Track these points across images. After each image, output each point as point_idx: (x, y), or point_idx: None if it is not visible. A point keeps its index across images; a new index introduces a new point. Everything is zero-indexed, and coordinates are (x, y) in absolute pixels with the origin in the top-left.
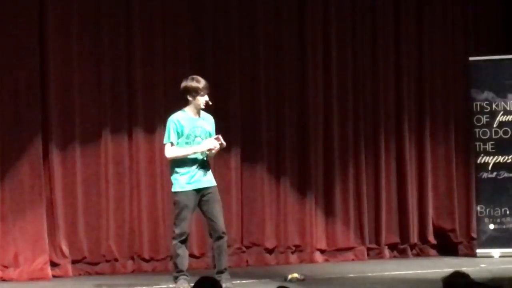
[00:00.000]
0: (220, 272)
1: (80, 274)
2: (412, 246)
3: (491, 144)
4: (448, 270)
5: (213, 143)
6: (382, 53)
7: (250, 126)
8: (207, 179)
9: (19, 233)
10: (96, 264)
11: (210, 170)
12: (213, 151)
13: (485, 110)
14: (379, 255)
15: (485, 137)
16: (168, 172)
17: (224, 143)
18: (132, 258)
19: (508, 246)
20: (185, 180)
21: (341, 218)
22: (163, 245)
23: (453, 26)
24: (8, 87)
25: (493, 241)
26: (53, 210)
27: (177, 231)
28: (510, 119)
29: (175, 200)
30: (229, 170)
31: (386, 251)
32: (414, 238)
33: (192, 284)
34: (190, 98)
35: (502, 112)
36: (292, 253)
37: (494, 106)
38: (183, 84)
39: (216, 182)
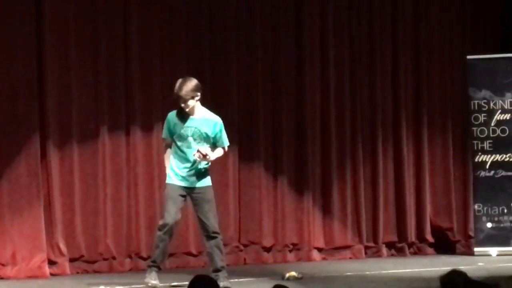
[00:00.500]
0: (217, 270)
1: (77, 272)
2: (410, 245)
3: (489, 143)
4: (446, 269)
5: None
6: (379, 51)
7: (247, 125)
8: (197, 179)
9: (16, 232)
10: (94, 262)
11: (205, 170)
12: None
13: (483, 109)
14: (377, 254)
15: (482, 136)
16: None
17: (204, 155)
18: (130, 257)
19: (505, 245)
20: (173, 174)
21: (338, 216)
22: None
23: (451, 25)
24: (6, 86)
25: (491, 239)
26: (51, 209)
27: (160, 222)
28: (507, 118)
29: (164, 191)
30: (227, 168)
31: (384, 250)
32: (412, 236)
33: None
34: None
35: (499, 111)
36: (290, 251)
37: (491, 104)
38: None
39: (214, 181)
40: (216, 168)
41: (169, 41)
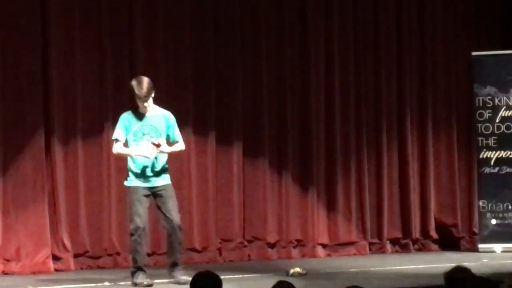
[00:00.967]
0: (175, 264)
1: (82, 268)
2: (414, 241)
3: (494, 139)
4: (450, 265)
5: (149, 151)
6: (384, 48)
7: (252, 121)
8: (158, 178)
9: (21, 227)
10: (98, 258)
11: (164, 169)
12: (157, 151)
13: (488, 105)
14: (381, 250)
15: (487, 132)
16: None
17: (157, 143)
18: None
19: (510, 241)
20: (134, 176)
21: (343, 212)
22: (165, 239)
23: (456, 21)
24: (11, 82)
25: (495, 236)
26: (55, 204)
27: (131, 226)
28: None
29: (127, 195)
30: (231, 164)
31: (388, 246)
32: (416, 233)
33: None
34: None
35: (504, 107)
36: (294, 247)
37: (496, 101)
38: (130, 82)
39: (218, 177)
40: (220, 164)
41: (174, 40)
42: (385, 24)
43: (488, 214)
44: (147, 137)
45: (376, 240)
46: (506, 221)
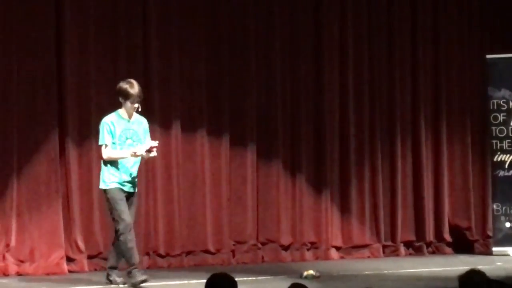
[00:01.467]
0: (114, 268)
1: (95, 269)
2: (428, 244)
3: (508, 142)
4: (464, 268)
5: (142, 151)
6: (398, 51)
7: (265, 123)
8: (133, 185)
9: (35, 228)
10: None
11: (135, 176)
12: (145, 156)
13: (502, 108)
14: (395, 253)
15: (502, 135)
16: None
17: (151, 155)
18: (148, 254)
19: None
20: (115, 180)
21: (356, 215)
22: (179, 241)
23: (470, 24)
24: (25, 83)
25: (509, 239)
26: (69, 206)
27: (121, 226)
28: None
29: (108, 197)
30: (245, 167)
31: (402, 249)
32: (430, 235)
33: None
34: (121, 101)
35: None
36: (308, 250)
37: (511, 104)
38: (118, 85)
39: (232, 178)
40: (234, 167)
41: (188, 39)
42: (399, 27)
43: (502, 217)
44: (130, 141)
45: (390, 243)
46: None
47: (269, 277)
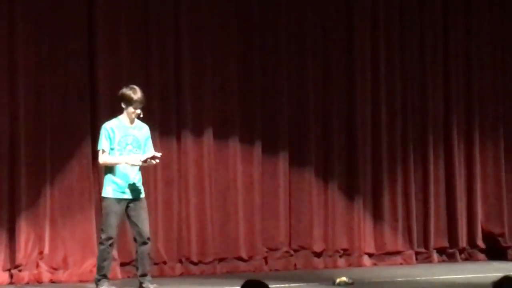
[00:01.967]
0: (144, 275)
1: (128, 277)
2: (461, 251)
3: None
4: (497, 275)
5: (137, 160)
6: (430, 54)
7: (298, 130)
8: (136, 191)
9: (68, 236)
10: None
11: (141, 182)
12: (146, 163)
13: None
14: (428, 259)
15: None
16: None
17: (154, 162)
18: (181, 261)
19: None
20: (115, 188)
21: (389, 222)
22: (211, 248)
23: (502, 32)
24: (58, 91)
25: None
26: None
27: (103, 236)
28: None
29: (103, 205)
30: (277, 174)
31: (435, 255)
32: (463, 242)
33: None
34: (123, 106)
35: None
36: (340, 256)
37: None
38: (121, 91)
39: (263, 186)
40: (266, 174)
41: (219, 45)
42: (431, 32)
43: None
44: (130, 147)
45: (422, 250)
46: None
47: (301, 284)
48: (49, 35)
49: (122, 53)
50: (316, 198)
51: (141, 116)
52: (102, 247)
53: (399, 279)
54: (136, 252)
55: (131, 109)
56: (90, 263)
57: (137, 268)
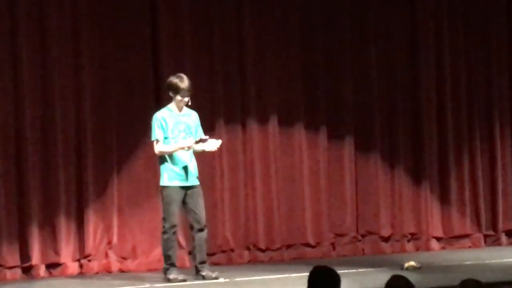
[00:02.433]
0: (203, 262)
1: None
2: None
3: None
4: None
5: (190, 143)
6: (494, 37)
7: (363, 115)
8: (193, 177)
9: (136, 226)
10: (213, 254)
11: (196, 169)
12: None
13: None
14: (496, 242)
15: None
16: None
17: (205, 139)
18: (248, 248)
19: None
20: (173, 176)
21: (456, 205)
22: (279, 235)
23: None
24: (123, 83)
25: None
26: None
27: (166, 224)
28: None
29: (163, 194)
30: (343, 159)
31: (504, 238)
32: None
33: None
34: (171, 95)
35: None
36: (408, 241)
37: None
38: (168, 80)
39: (330, 172)
40: (332, 160)
41: (282, 32)
42: (496, 15)
43: None
44: (183, 134)
45: (491, 232)
46: None
47: (369, 269)
48: (112, 26)
49: (185, 43)
50: (382, 182)
51: (189, 104)
52: (166, 236)
53: (468, 263)
54: (193, 239)
55: (178, 97)
56: (158, 252)
57: (194, 256)
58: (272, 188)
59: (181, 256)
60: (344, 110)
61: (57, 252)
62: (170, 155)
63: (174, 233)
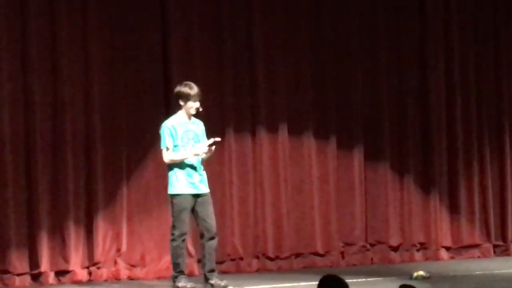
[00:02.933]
0: (212, 270)
1: None
2: None
3: None
4: None
5: (204, 148)
6: (504, 46)
7: (372, 124)
8: (203, 185)
9: (145, 233)
10: (221, 263)
11: (205, 176)
12: (205, 154)
13: None
14: (506, 252)
15: None
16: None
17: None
18: (257, 257)
19: None
20: (183, 184)
21: (466, 215)
22: (288, 243)
23: None
24: (133, 91)
25: None
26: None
27: (176, 232)
28: None
29: (173, 202)
30: (353, 168)
31: None
32: None
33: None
34: (182, 103)
35: None
36: (417, 250)
37: None
38: (176, 89)
39: (339, 181)
40: (342, 169)
41: (292, 41)
42: (506, 22)
43: None
44: (192, 142)
45: (500, 243)
46: None
47: (378, 278)
48: (122, 32)
49: (195, 49)
50: (391, 192)
51: (201, 109)
52: (175, 243)
53: (477, 273)
54: (204, 247)
55: (190, 103)
56: (167, 260)
57: (204, 264)
58: (281, 196)
59: (190, 264)
60: (354, 119)
61: (66, 259)
62: (181, 163)
63: (184, 240)
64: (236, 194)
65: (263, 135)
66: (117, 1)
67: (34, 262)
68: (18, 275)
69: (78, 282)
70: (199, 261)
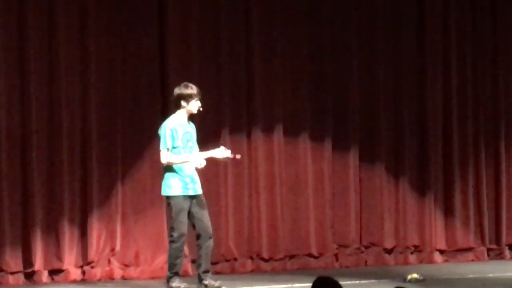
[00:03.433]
0: (206, 271)
1: None
2: None
3: None
4: None
5: (203, 161)
6: (502, 51)
7: (368, 126)
8: (198, 186)
9: (140, 233)
10: (216, 263)
11: (198, 177)
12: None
13: None
14: (500, 256)
15: None
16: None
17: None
18: (251, 258)
19: None
20: (181, 185)
21: (460, 218)
22: (282, 245)
23: None
24: (129, 89)
25: None
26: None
27: (175, 234)
28: None
29: (171, 204)
30: (348, 170)
31: (507, 252)
32: None
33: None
34: (184, 104)
35: None
36: (411, 253)
37: None
38: (177, 91)
39: (334, 183)
40: (337, 170)
41: (290, 44)
42: (504, 25)
43: None
44: (190, 143)
45: (494, 246)
46: None
47: (372, 280)
48: (119, 32)
49: (192, 50)
50: (386, 194)
51: (201, 109)
52: (175, 245)
53: (471, 276)
54: (200, 248)
55: (193, 103)
56: (161, 260)
57: (199, 265)
58: (276, 198)
59: (184, 264)
60: (350, 121)
61: (60, 258)
62: (179, 165)
63: (183, 242)
64: (231, 195)
65: (258, 136)
66: (115, 1)
67: (28, 260)
68: (12, 273)
69: (72, 281)
70: (193, 261)
